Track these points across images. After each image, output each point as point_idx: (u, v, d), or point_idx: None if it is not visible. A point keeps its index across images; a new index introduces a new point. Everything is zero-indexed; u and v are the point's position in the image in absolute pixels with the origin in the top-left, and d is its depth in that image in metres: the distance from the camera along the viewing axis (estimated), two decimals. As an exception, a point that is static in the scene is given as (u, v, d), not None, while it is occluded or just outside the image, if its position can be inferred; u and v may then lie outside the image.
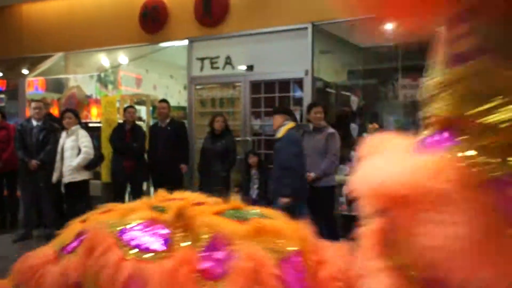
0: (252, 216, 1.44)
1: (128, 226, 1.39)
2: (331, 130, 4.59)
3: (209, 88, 6.38)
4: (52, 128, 5.53)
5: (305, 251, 1.28)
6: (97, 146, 5.60)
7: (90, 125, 6.33)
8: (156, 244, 1.32)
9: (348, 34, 5.94)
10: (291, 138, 3.92)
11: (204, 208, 1.52)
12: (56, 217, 5.55)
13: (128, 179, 5.73)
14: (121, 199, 5.82)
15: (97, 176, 5.97)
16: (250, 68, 6.01)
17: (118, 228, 1.38)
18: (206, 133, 5.63)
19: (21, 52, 7.53)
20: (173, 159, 5.62)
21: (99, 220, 1.52)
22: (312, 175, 4.44)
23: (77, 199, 5.29)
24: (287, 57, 5.66)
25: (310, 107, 4.73)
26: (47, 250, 1.48)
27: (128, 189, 5.94)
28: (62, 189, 5.45)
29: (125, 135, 5.72)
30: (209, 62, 6.30)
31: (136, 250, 1.30)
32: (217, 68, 6.23)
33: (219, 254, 1.26)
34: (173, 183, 5.65)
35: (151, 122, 6.46)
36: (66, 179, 5.17)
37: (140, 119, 6.53)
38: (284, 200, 3.83)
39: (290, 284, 1.19)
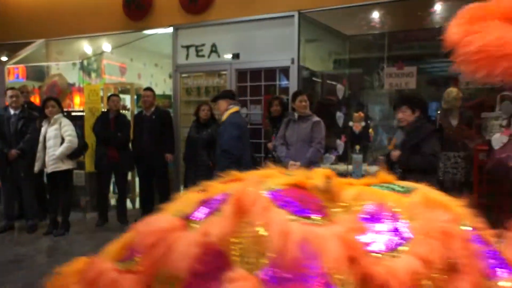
0: (411, 189, 1.34)
1: (272, 190, 1.25)
2: (316, 118, 4.58)
3: (194, 76, 6.31)
4: (31, 116, 5.40)
5: (479, 227, 1.19)
6: (80, 135, 5.50)
7: (73, 114, 6.21)
8: (310, 209, 1.19)
9: (334, 22, 5.92)
10: (232, 121, 3.91)
11: (348, 180, 1.42)
12: (38, 208, 5.46)
13: (113, 169, 5.65)
14: (105, 189, 5.76)
15: (81, 165, 5.87)
16: (236, 56, 5.95)
17: (263, 191, 1.24)
18: (192, 122, 5.57)
19: (-1, 39, 7.32)
20: (158, 148, 5.56)
21: (225, 188, 1.36)
22: (297, 164, 4.44)
23: (61, 189, 5.21)
24: (273, 45, 5.62)
25: (295, 96, 4.71)
26: (168, 218, 1.31)
27: (113, 179, 5.87)
28: (45, 179, 5.36)
29: (109, 124, 5.63)
30: (194, 50, 6.22)
31: (293, 213, 1.16)
32: (203, 56, 6.16)
33: (390, 222, 1.14)
34: (158, 172, 5.65)
35: (136, 111, 6.37)
36: (50, 168, 5.07)
37: (124, 108, 6.43)
38: None
39: (482, 253, 1.09)
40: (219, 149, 3.96)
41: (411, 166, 3.50)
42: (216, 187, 1.41)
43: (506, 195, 4.08)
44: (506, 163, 3.83)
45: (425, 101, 4.28)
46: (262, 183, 1.30)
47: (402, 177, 3.51)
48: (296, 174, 1.38)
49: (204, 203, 1.32)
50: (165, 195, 5.79)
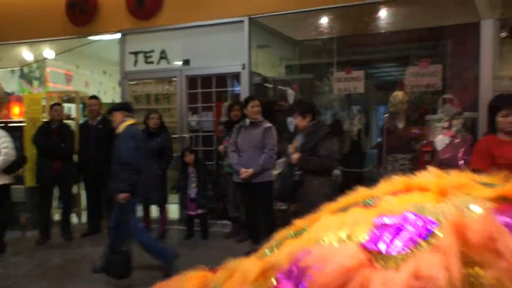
0: None
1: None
2: (268, 124, 4.53)
3: (143, 83, 6.10)
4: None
5: None
6: (19, 147, 5.12)
7: (11, 125, 5.80)
8: None
9: (284, 28, 5.93)
10: (129, 133, 3.88)
11: None
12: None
13: (56, 182, 5.32)
14: (48, 204, 5.40)
15: (19, 180, 5.48)
16: (186, 62, 5.82)
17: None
18: (140, 130, 5.36)
19: None
20: (105, 159, 5.28)
21: (403, 203, 0.98)
22: (250, 170, 4.37)
23: (-3, 206, 4.81)
24: (224, 51, 5.55)
25: (246, 101, 4.65)
26: (351, 250, 0.96)
27: (57, 193, 5.52)
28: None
29: (51, 134, 5.30)
30: (143, 56, 6.03)
31: None
32: (152, 62, 5.98)
33: None
34: (106, 184, 5.37)
35: (82, 120, 6.06)
36: (-17, 184, 4.67)
37: (69, 117, 6.09)
38: (122, 196, 3.71)
39: None
40: (117, 162, 3.85)
41: (309, 167, 3.63)
42: (387, 202, 1.03)
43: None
44: (449, 163, 3.94)
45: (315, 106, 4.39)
46: (460, 198, 0.95)
47: (302, 179, 3.63)
48: (495, 180, 1.02)
49: (382, 226, 0.96)
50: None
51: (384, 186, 1.09)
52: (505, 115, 2.89)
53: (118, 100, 7.10)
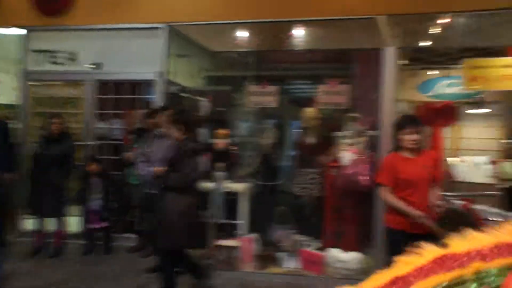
0: None
1: None
2: (180, 135, 4.38)
3: (47, 85, 5.63)
4: None
5: None
6: None
7: None
8: None
9: (202, 38, 5.90)
10: None
11: None
12: None
13: None
14: None
15: None
16: (97, 66, 5.48)
17: None
18: (39, 136, 4.90)
19: None
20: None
21: None
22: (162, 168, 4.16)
23: None
24: (140, 57, 5.34)
25: (160, 111, 4.47)
26: None
27: None
28: None
29: None
30: (48, 56, 5.56)
31: None
32: (59, 63, 5.54)
33: None
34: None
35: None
36: None
37: (-47, 118, 5.36)
38: None
39: None
40: None
41: (169, 183, 3.44)
42: None
43: (353, 208, 4.41)
44: (353, 179, 4.14)
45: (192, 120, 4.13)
46: None
47: (161, 194, 3.40)
48: None
49: None
50: (4, 222, 4.91)
51: (471, 248, 0.69)
52: (409, 133, 3.09)
53: (17, 101, 6.43)
